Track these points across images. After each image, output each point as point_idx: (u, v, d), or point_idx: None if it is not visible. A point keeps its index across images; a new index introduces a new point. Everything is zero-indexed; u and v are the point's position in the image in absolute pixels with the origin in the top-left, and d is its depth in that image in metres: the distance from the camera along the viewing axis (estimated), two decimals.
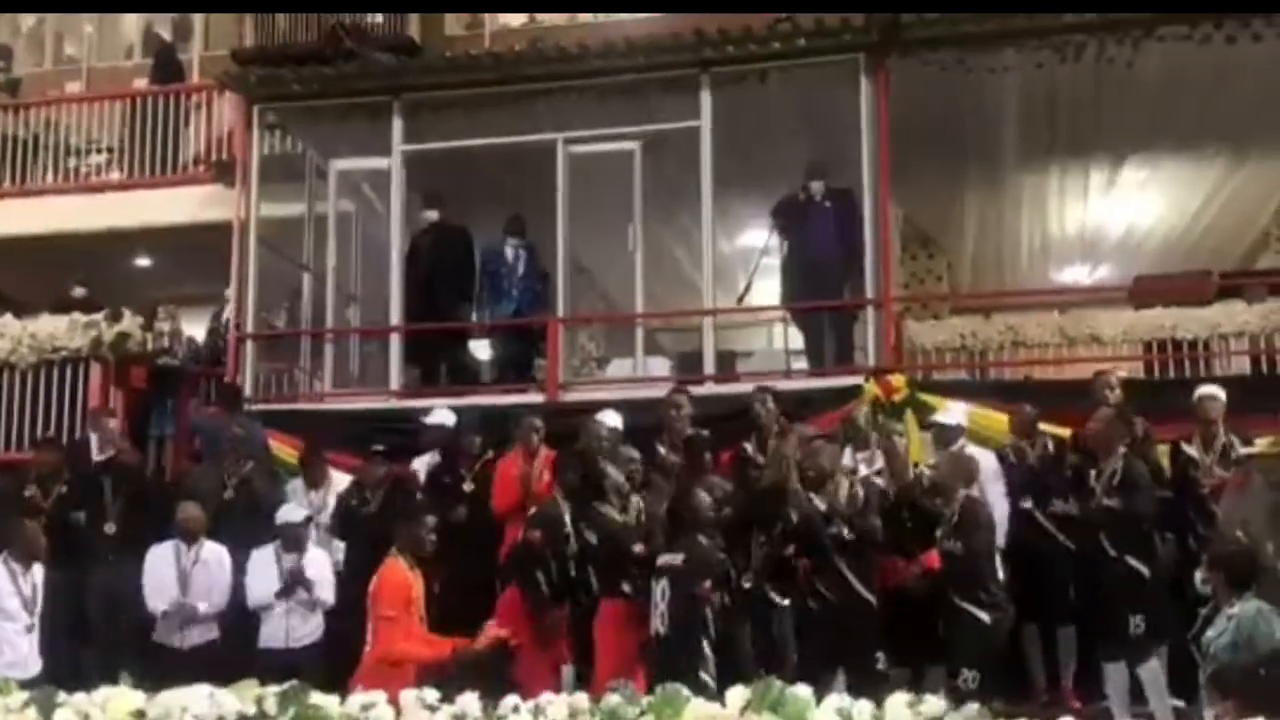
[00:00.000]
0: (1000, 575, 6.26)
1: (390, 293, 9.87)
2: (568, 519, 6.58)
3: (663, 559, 5.71)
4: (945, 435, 7.34)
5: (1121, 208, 12.04)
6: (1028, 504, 7.12)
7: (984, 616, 6.02)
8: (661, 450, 7.36)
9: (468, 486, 7.78)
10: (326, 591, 7.14)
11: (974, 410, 7.84)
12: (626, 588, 6.20)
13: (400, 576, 6.01)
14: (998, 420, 7.80)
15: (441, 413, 8.30)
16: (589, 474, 6.74)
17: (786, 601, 6.35)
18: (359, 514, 7.68)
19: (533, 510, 6.88)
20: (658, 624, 5.61)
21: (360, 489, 7.84)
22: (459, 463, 7.92)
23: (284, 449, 8.84)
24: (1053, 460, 7.23)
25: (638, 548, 6.19)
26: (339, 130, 10.40)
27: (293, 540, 7.17)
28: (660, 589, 5.64)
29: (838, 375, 8.88)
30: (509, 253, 9.87)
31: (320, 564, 7.22)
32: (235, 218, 10.16)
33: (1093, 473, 6.65)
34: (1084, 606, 6.84)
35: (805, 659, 6.23)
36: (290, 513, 7.33)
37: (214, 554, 7.28)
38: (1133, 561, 6.38)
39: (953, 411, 7.55)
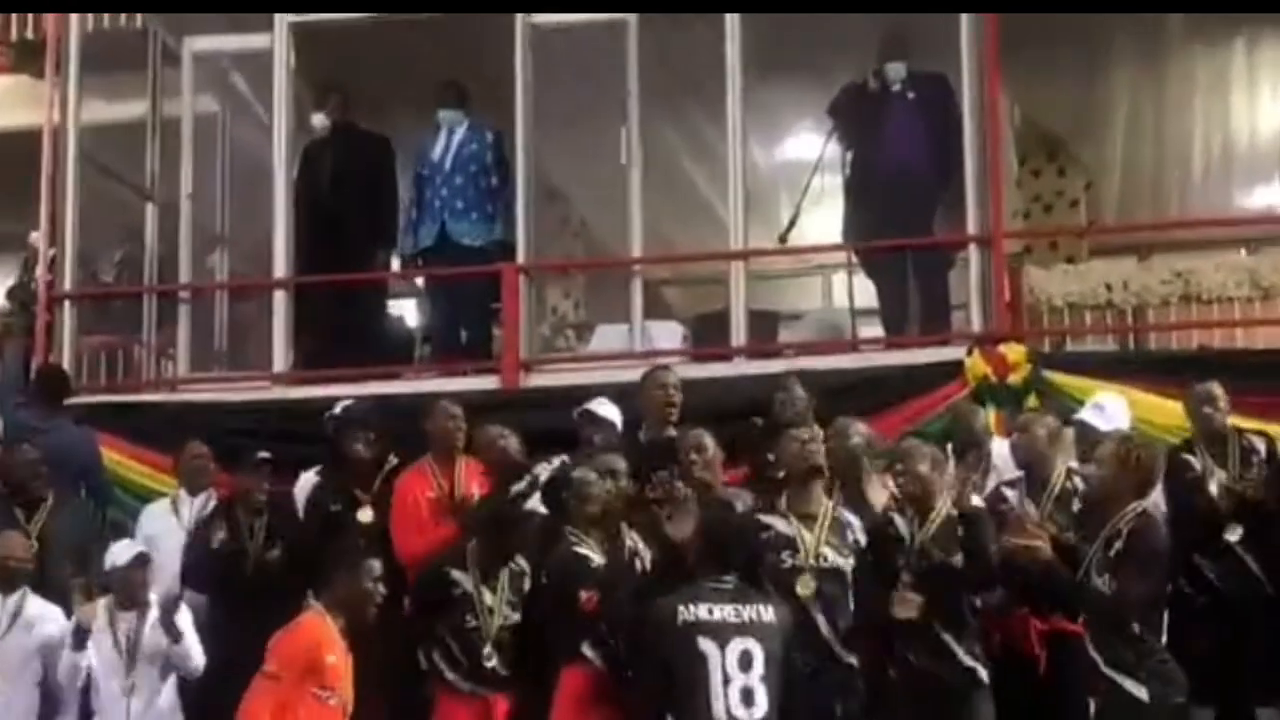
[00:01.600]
0: (1165, 634, 6.21)
1: (273, 231, 9.87)
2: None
3: (743, 611, 5.71)
4: (1088, 436, 7.28)
5: None
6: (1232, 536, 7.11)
7: (1140, 693, 5.95)
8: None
9: (364, 516, 7.71)
10: (191, 654, 7.17)
11: (1130, 394, 7.84)
12: (589, 651, 6.27)
13: (317, 636, 6.04)
14: (1165, 410, 7.78)
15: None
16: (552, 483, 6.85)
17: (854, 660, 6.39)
18: (230, 553, 7.68)
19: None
20: (729, 708, 5.58)
21: (230, 516, 7.82)
22: (349, 480, 7.86)
23: (121, 460, 8.86)
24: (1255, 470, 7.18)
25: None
26: None
27: (126, 593, 7.17)
28: (736, 651, 5.62)
29: (927, 346, 8.92)
30: (439, 141, 9.84)
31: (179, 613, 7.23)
32: (46, 122, 10.18)
33: None
34: None
35: None
36: (119, 553, 7.30)
37: (41, 613, 7.29)
38: None
39: (1109, 408, 7.48)
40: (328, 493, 7.89)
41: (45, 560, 7.63)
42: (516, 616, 6.74)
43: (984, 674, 6.27)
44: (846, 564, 6.38)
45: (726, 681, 5.58)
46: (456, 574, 6.74)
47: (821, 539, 6.38)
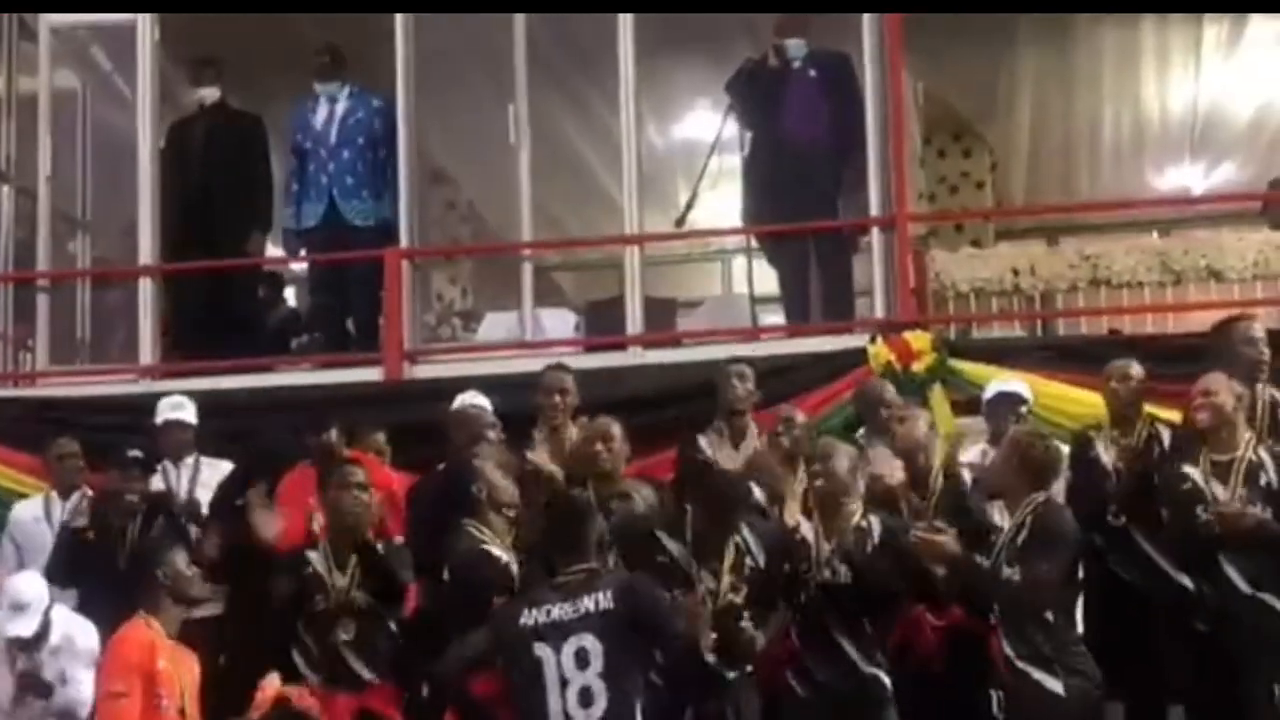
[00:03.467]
0: (1080, 627, 6.28)
1: (139, 215, 9.77)
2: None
3: (581, 603, 5.64)
4: (999, 412, 7.42)
5: (1250, 77, 12.16)
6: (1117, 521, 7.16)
7: (1055, 686, 6.01)
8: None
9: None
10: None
11: (1039, 382, 7.90)
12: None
13: (140, 639, 6.05)
14: (1073, 398, 7.83)
15: (174, 404, 8.24)
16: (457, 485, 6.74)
17: (732, 675, 6.35)
18: (101, 552, 7.62)
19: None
20: (566, 712, 5.55)
21: (101, 515, 7.80)
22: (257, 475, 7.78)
23: None
24: (1157, 457, 7.24)
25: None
26: None
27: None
28: (570, 651, 5.57)
29: (830, 334, 8.92)
30: (320, 112, 9.78)
31: (75, 632, 7.08)
32: None
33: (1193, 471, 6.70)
34: (1201, 673, 6.88)
35: None
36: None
37: None
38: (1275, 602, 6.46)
39: (1009, 380, 7.64)
40: (234, 486, 7.77)
41: None
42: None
43: (885, 681, 6.30)
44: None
45: (564, 684, 5.53)
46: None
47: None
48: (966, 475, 7.04)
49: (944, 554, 6.16)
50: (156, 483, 8.07)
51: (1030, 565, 5.99)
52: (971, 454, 7.38)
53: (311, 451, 7.60)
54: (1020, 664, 5.99)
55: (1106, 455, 7.23)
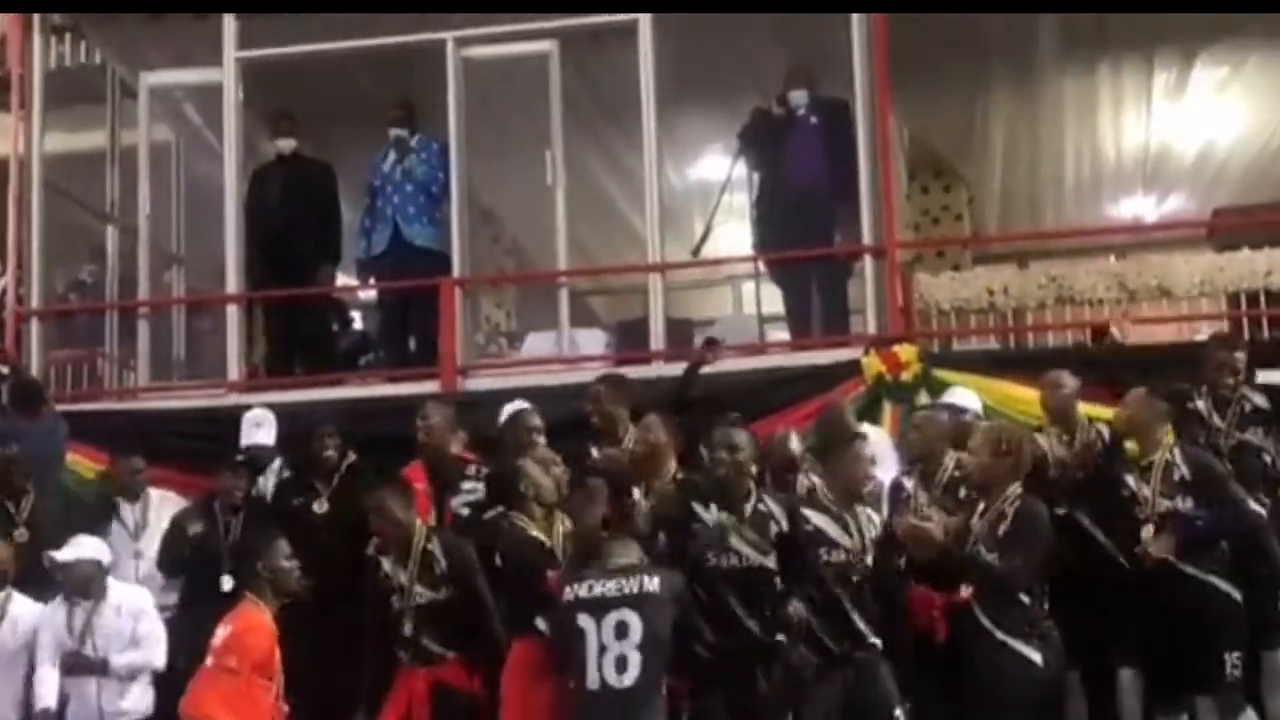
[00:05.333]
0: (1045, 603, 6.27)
1: (225, 251, 9.81)
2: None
3: (625, 584, 5.70)
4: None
5: (1195, 119, 12.15)
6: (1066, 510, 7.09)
7: (1035, 656, 5.99)
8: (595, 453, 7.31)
9: (320, 508, 7.69)
10: (150, 649, 7.03)
11: (996, 387, 7.95)
12: (542, 624, 6.18)
13: (265, 626, 6.04)
14: (1027, 399, 7.81)
15: (256, 421, 8.18)
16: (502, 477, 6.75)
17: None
18: (207, 545, 7.63)
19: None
20: (602, 675, 5.59)
21: (207, 512, 7.80)
22: (311, 476, 7.84)
23: (83, 463, 8.75)
24: (1097, 456, 7.23)
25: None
26: (152, 33, 10.32)
27: (80, 584, 7.02)
28: (611, 623, 5.63)
29: (828, 348, 8.91)
30: (390, 155, 9.80)
31: (134, 609, 7.10)
32: (12, 152, 10.09)
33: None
34: (1151, 643, 6.88)
35: None
36: (76, 548, 7.14)
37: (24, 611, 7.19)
38: (1219, 583, 6.48)
39: (961, 393, 7.66)
40: (291, 488, 7.88)
41: (34, 543, 7.59)
42: None
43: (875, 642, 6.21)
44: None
45: (602, 651, 5.60)
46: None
47: None
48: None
49: (929, 541, 6.10)
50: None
51: (1010, 556, 5.98)
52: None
53: (421, 450, 7.60)
54: (1000, 635, 5.96)
55: (1051, 452, 7.19)
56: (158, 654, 7.04)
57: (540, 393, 8.05)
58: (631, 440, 7.14)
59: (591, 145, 10.69)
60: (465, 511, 7.23)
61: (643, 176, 9.60)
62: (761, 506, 6.21)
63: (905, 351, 8.36)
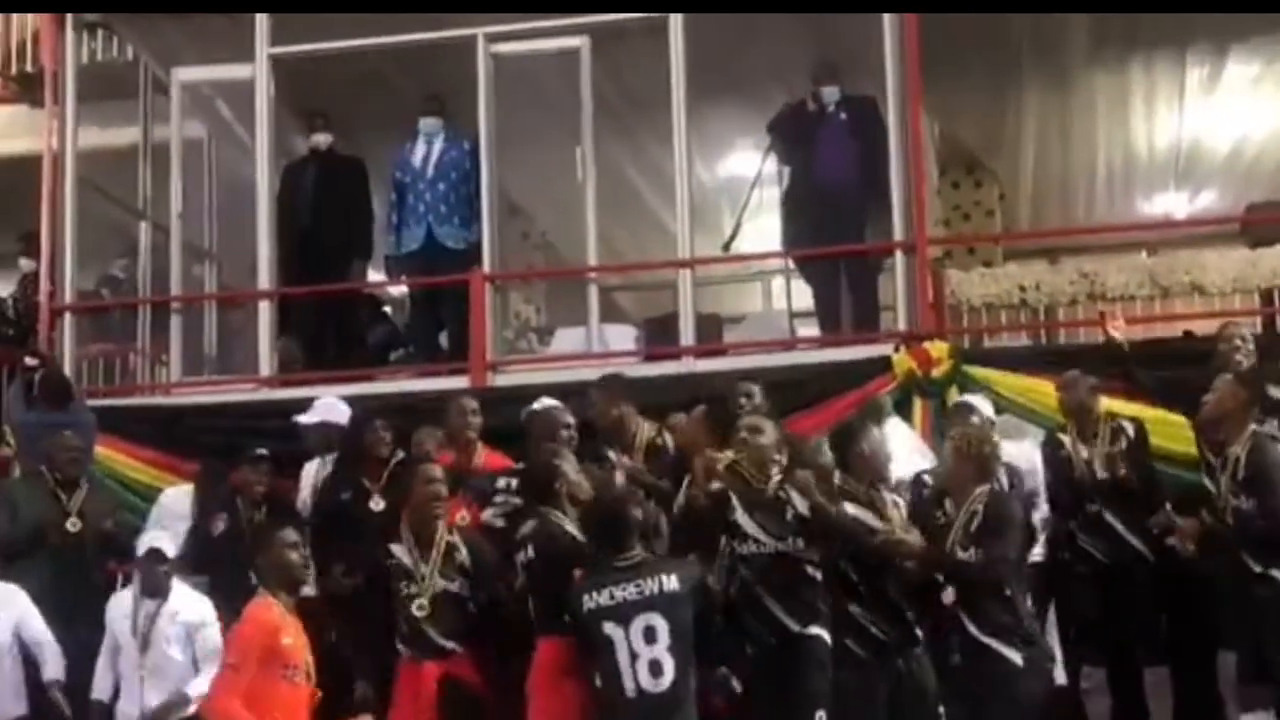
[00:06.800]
0: (1030, 602, 6.29)
1: (258, 246, 9.81)
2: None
3: (645, 585, 5.67)
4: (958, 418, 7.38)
5: (1228, 115, 12.08)
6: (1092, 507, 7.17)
7: (1014, 656, 5.96)
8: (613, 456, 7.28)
9: (376, 504, 7.59)
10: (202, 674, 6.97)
11: (1022, 382, 7.98)
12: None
13: (265, 617, 5.94)
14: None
15: (327, 405, 8.16)
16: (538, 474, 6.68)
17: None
18: (230, 540, 7.61)
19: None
20: (638, 683, 5.58)
21: (230, 507, 7.80)
22: (361, 470, 7.77)
23: (119, 458, 8.78)
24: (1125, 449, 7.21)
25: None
26: (184, 29, 10.33)
27: (153, 580, 7.07)
28: (638, 629, 5.61)
29: (858, 344, 8.92)
30: (419, 149, 9.79)
31: (193, 620, 7.14)
32: (45, 148, 10.09)
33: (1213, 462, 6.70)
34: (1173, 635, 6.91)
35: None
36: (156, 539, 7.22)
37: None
38: None
39: (977, 401, 7.65)
40: (339, 482, 7.80)
41: (85, 533, 7.70)
42: None
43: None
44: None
45: (634, 658, 5.58)
46: None
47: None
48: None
49: (910, 551, 6.18)
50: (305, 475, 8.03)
51: (987, 547, 6.03)
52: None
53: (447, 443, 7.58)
54: (984, 639, 5.97)
55: (1075, 451, 7.27)
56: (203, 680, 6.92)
57: (569, 388, 8.01)
58: (644, 437, 7.28)
59: (621, 141, 10.67)
60: (499, 523, 7.13)
61: (672, 172, 9.57)
62: (781, 493, 6.23)
63: (936, 348, 8.34)
